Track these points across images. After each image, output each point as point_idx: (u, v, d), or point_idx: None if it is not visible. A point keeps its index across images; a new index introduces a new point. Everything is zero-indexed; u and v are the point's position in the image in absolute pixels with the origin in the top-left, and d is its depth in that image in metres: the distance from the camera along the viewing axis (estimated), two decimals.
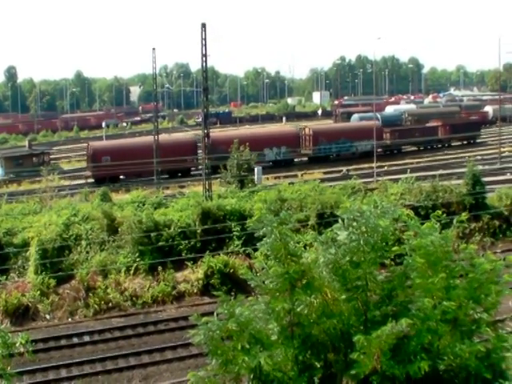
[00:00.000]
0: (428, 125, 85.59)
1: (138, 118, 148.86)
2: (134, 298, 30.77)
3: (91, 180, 63.39)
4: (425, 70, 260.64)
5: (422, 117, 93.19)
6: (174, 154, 61.48)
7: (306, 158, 74.01)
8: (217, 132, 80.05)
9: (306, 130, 75.52)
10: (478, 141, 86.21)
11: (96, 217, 35.54)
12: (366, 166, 64.13)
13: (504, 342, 8.07)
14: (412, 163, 65.83)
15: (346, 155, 74.50)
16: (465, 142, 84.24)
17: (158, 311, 30.26)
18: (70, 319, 29.67)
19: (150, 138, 64.54)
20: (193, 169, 67.82)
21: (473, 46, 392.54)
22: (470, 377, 7.68)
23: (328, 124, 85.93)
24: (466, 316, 7.94)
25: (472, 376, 7.68)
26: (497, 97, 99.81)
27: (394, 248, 8.09)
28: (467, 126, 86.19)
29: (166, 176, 63.80)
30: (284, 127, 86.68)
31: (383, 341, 7.01)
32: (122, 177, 64.04)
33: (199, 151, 61.61)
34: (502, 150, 70.84)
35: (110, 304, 30.30)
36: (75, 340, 27.10)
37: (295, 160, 73.25)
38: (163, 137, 72.31)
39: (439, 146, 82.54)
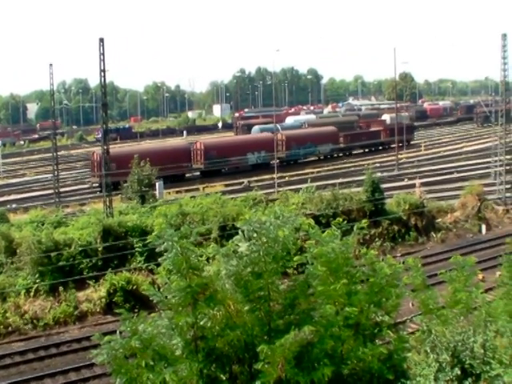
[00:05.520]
0: (372, 129, 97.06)
1: (36, 136, 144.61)
2: (34, 321, 29.89)
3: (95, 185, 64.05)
4: (324, 81, 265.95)
5: (321, 126, 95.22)
6: (169, 160, 63.56)
7: (278, 161, 78.23)
8: (208, 139, 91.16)
9: (279, 135, 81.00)
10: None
11: None
12: (268, 177, 64.80)
13: (405, 343, 8.26)
14: (313, 172, 66.93)
15: (311, 157, 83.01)
16: (400, 144, 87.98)
17: (60, 333, 29.51)
18: None
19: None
20: (188, 174, 72.20)
21: (370, 56, 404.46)
22: (373, 379, 7.81)
23: (298, 130, 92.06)
24: (367, 320, 8.07)
25: (375, 378, 7.81)
26: (393, 105, 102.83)
27: (296, 257, 8.13)
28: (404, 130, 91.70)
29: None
30: (263, 133, 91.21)
31: (287, 349, 7.02)
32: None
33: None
34: (400, 156, 73.17)
35: (10, 328, 29.35)
36: None
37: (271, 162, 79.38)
38: (158, 143, 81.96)
39: (380, 148, 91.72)
